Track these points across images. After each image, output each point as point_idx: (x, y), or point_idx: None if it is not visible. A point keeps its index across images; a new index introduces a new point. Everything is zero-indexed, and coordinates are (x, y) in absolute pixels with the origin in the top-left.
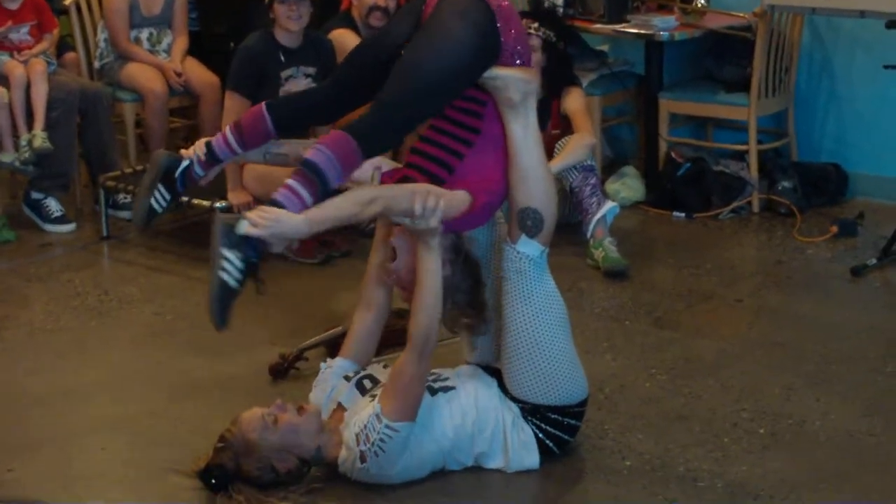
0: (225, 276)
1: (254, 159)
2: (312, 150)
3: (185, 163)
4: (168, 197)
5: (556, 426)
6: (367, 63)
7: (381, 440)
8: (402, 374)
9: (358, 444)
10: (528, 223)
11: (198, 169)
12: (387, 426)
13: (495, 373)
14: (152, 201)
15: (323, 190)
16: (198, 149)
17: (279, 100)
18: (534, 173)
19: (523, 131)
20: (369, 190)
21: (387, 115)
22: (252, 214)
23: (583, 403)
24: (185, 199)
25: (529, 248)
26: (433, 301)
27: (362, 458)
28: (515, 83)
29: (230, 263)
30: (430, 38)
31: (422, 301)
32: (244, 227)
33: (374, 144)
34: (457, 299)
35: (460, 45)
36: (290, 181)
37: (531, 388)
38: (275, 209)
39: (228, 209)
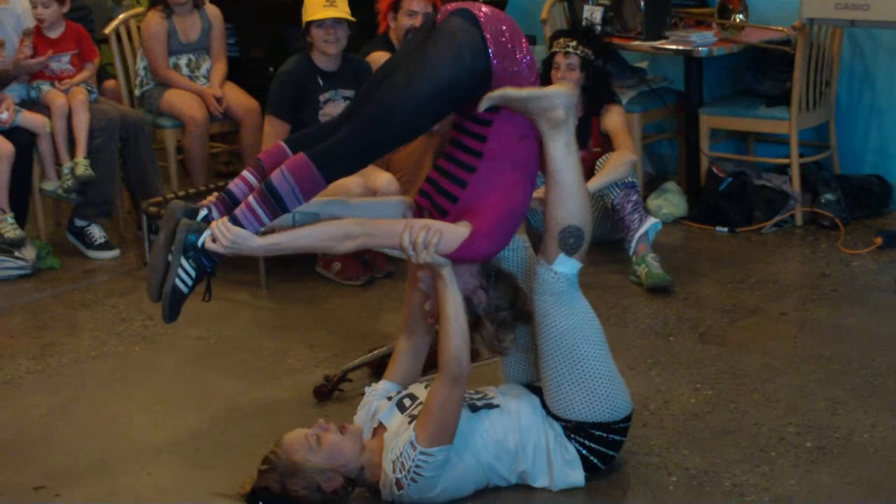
0: (179, 283)
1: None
2: (276, 172)
3: (203, 212)
4: (193, 274)
5: (601, 442)
6: (373, 91)
7: (417, 466)
8: (436, 402)
9: (394, 472)
10: (571, 241)
11: (215, 212)
12: (421, 452)
13: (536, 391)
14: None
15: (282, 212)
16: (211, 198)
17: (297, 136)
18: (575, 190)
19: (566, 149)
20: (349, 225)
21: (351, 146)
22: (214, 228)
23: (627, 419)
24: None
25: (567, 267)
26: (456, 329)
27: (398, 485)
28: (561, 99)
29: (185, 273)
30: (408, 71)
31: (444, 330)
32: (205, 241)
33: (335, 171)
34: (501, 318)
35: (437, 77)
36: (251, 199)
37: (575, 406)
38: (236, 229)
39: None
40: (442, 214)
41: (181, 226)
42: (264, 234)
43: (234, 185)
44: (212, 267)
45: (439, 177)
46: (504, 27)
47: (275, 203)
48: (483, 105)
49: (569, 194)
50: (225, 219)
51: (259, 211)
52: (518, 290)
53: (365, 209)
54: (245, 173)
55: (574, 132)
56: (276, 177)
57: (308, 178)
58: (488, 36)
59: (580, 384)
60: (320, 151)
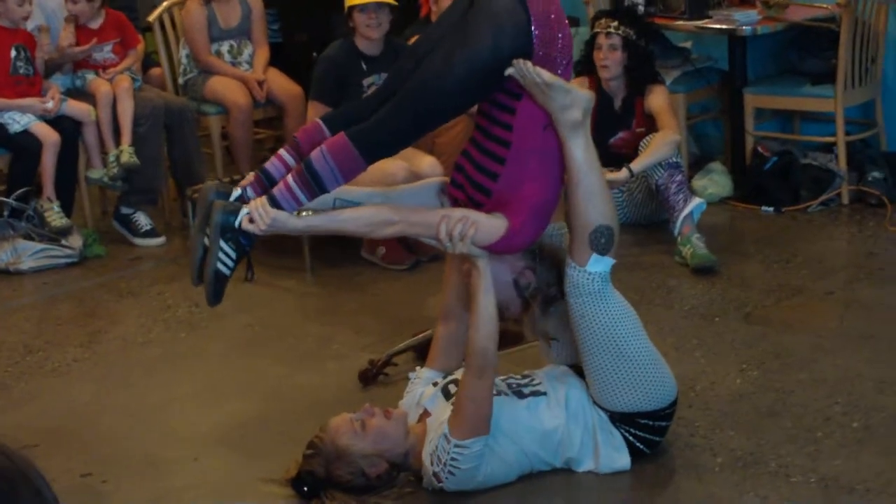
0: (220, 266)
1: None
2: (315, 153)
3: (237, 192)
4: (234, 255)
5: (647, 430)
6: (410, 68)
7: (453, 459)
8: (465, 394)
9: (432, 465)
10: (602, 241)
11: (250, 192)
12: (456, 445)
13: (581, 372)
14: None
15: (320, 193)
16: (246, 179)
17: (333, 113)
18: (600, 189)
19: (585, 152)
20: (388, 211)
21: (392, 126)
22: (252, 210)
23: (673, 404)
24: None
25: (601, 266)
26: (484, 320)
27: (437, 479)
28: (582, 101)
29: (225, 254)
30: (449, 49)
31: (474, 321)
32: (242, 221)
33: (376, 153)
34: (551, 293)
35: (478, 59)
36: (289, 179)
37: (621, 399)
38: (274, 211)
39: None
40: (477, 207)
41: (215, 207)
42: (302, 212)
43: (271, 164)
44: (250, 246)
45: (472, 169)
46: (552, 11)
47: (314, 184)
48: (509, 70)
49: (595, 194)
50: (263, 199)
51: (298, 191)
52: (563, 263)
53: (404, 198)
54: (282, 152)
55: (589, 133)
56: (315, 157)
57: (348, 159)
58: (534, 18)
59: (625, 378)
60: (360, 131)
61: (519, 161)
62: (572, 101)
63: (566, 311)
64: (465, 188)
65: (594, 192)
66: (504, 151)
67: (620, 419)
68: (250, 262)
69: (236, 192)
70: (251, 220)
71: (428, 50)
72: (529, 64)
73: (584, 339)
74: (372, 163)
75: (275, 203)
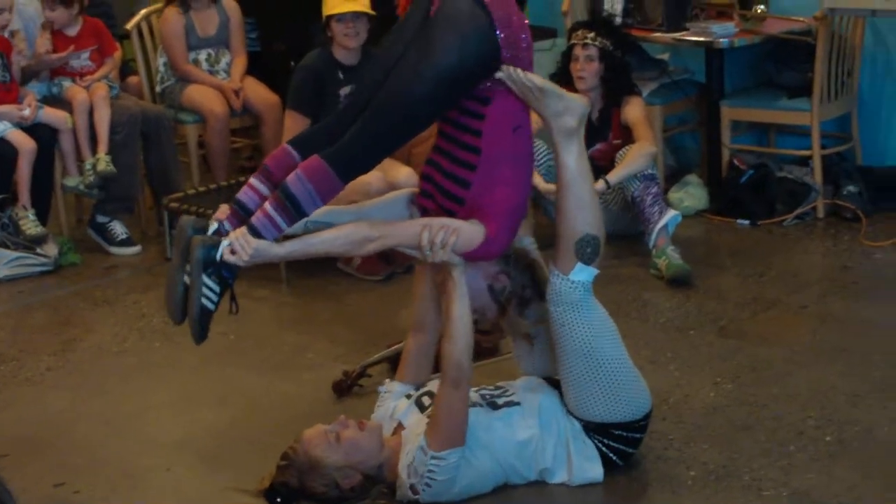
0: (205, 302)
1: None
2: (291, 177)
3: (213, 225)
4: (217, 290)
5: (620, 441)
6: (378, 81)
7: (430, 471)
8: (441, 406)
9: (408, 477)
10: (588, 250)
11: (227, 224)
12: (433, 457)
13: (555, 384)
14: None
15: (300, 217)
16: (221, 212)
17: (301, 136)
18: (590, 199)
19: (578, 159)
20: (366, 228)
21: (364, 143)
22: (233, 241)
23: (647, 416)
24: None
25: (585, 275)
26: (462, 331)
27: (413, 490)
28: (578, 108)
29: (209, 289)
30: (415, 59)
31: (450, 332)
32: (223, 254)
33: (351, 171)
34: (526, 295)
35: (445, 67)
36: (267, 206)
37: (596, 409)
38: (255, 241)
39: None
40: (449, 216)
41: (194, 243)
42: (281, 240)
43: (244, 195)
44: (233, 278)
45: (442, 178)
46: (512, 13)
47: (293, 208)
48: (499, 74)
49: (584, 203)
50: (243, 229)
51: (277, 218)
52: (535, 263)
53: (374, 213)
54: (253, 181)
55: (583, 142)
56: (292, 182)
57: (325, 180)
58: (496, 21)
59: (601, 388)
60: (334, 152)
61: (490, 167)
62: (566, 107)
63: (543, 315)
64: (435, 197)
65: (584, 200)
66: (475, 158)
67: (595, 429)
68: (234, 294)
69: (213, 225)
70: (233, 252)
71: (392, 61)
72: (520, 70)
73: (562, 347)
74: (349, 181)
75: (255, 232)
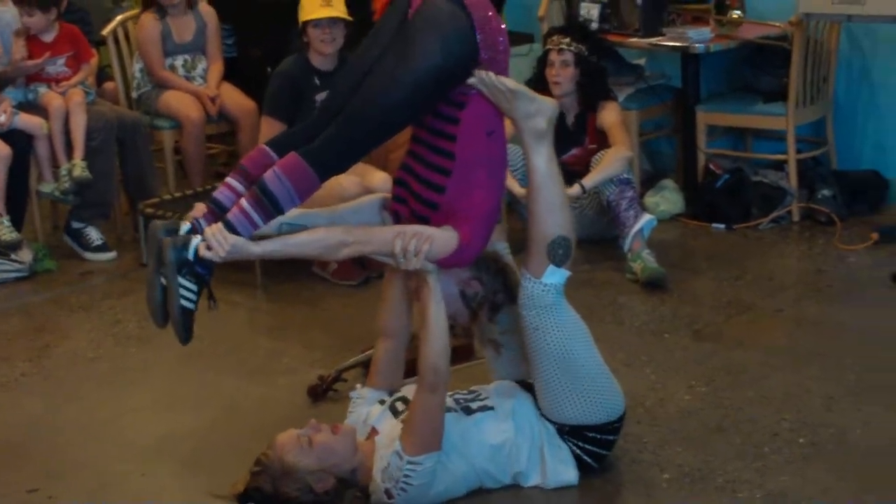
0: (184, 302)
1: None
2: (269, 173)
3: (186, 225)
4: (195, 288)
5: (594, 443)
6: (354, 84)
7: (406, 476)
8: (417, 410)
9: (383, 482)
10: (560, 252)
11: (203, 223)
12: (409, 462)
13: (529, 388)
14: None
15: (276, 214)
16: (197, 210)
17: (279, 137)
18: (560, 201)
19: (549, 161)
20: (340, 233)
21: (342, 143)
22: (209, 236)
23: (621, 418)
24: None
25: (556, 277)
26: (435, 335)
27: (388, 495)
28: (547, 110)
29: (186, 289)
30: (394, 60)
31: (425, 337)
32: (199, 250)
33: (329, 169)
34: (498, 300)
35: (425, 69)
36: (244, 202)
37: (570, 412)
38: (233, 237)
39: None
40: (422, 221)
41: (165, 245)
42: (255, 239)
43: (220, 193)
44: (209, 274)
45: (416, 184)
46: (490, 14)
47: (269, 205)
48: (471, 80)
49: (555, 205)
50: (219, 225)
51: (253, 214)
52: (507, 268)
53: (347, 217)
54: (230, 180)
55: (552, 145)
56: (269, 178)
57: (303, 177)
58: (476, 23)
59: (575, 391)
60: (312, 149)
61: (465, 172)
62: (537, 109)
63: (515, 321)
64: (409, 202)
65: (554, 203)
66: (449, 163)
67: (569, 432)
68: (211, 290)
69: (185, 225)
70: (209, 248)
71: (369, 64)
72: (492, 74)
73: (535, 350)
74: (326, 180)
75: (231, 228)
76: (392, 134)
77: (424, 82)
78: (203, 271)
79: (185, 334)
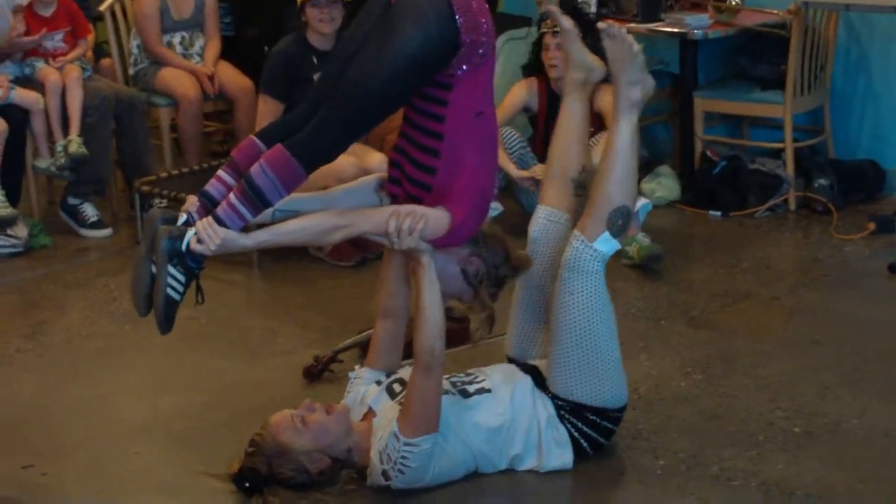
0: (170, 292)
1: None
2: (254, 167)
3: (182, 217)
4: (183, 280)
5: (594, 427)
6: (340, 71)
7: (403, 457)
8: (414, 392)
9: (381, 463)
10: (620, 222)
11: (195, 216)
12: (406, 443)
13: (530, 370)
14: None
15: (264, 208)
16: (189, 203)
17: (268, 128)
18: (633, 173)
19: (633, 133)
20: (334, 217)
21: (328, 132)
22: (200, 230)
23: (622, 409)
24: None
25: (608, 246)
26: (430, 316)
27: (386, 476)
28: (650, 85)
29: (174, 279)
30: (376, 47)
31: (420, 318)
32: (190, 243)
33: (314, 160)
34: (501, 274)
35: (407, 54)
36: (232, 197)
37: (579, 387)
38: (223, 230)
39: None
40: (417, 202)
41: (161, 233)
42: (248, 229)
43: (211, 186)
44: (199, 268)
45: (408, 165)
46: None
47: (257, 199)
48: (602, 25)
49: (630, 176)
50: (209, 219)
51: (241, 208)
52: (505, 242)
53: (342, 200)
54: (220, 173)
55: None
56: (255, 172)
57: (288, 170)
58: (456, 6)
59: (589, 366)
60: (297, 141)
61: (454, 153)
62: (643, 80)
63: (543, 277)
64: (403, 184)
65: (629, 173)
66: (438, 144)
67: (570, 411)
68: (199, 285)
69: (181, 217)
70: (200, 241)
71: (354, 51)
72: (624, 29)
73: (561, 315)
74: (312, 171)
75: (220, 223)
76: (378, 120)
77: (406, 67)
78: (193, 264)
79: (166, 325)
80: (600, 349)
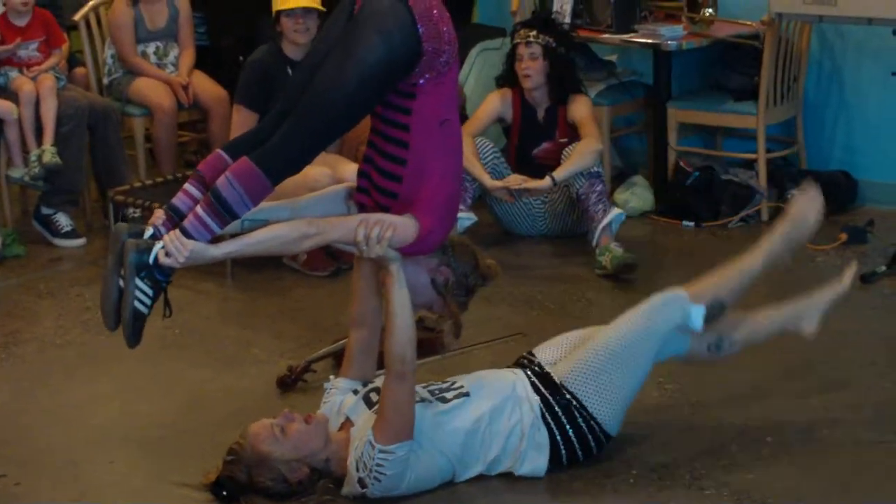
0: (138, 305)
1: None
2: (221, 179)
3: (148, 230)
4: (151, 293)
5: (578, 434)
6: (305, 82)
7: (378, 465)
8: (387, 400)
9: (357, 471)
10: (714, 313)
11: (162, 230)
12: (381, 451)
13: (523, 365)
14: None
15: (231, 220)
16: (156, 217)
17: (234, 141)
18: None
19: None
20: (303, 225)
21: (293, 143)
22: (167, 243)
23: (608, 438)
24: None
25: (696, 320)
26: (400, 325)
27: (362, 484)
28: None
29: (142, 293)
30: (339, 57)
31: (390, 326)
32: (158, 256)
33: (280, 172)
34: (470, 283)
35: (369, 63)
36: (199, 210)
37: (590, 387)
38: (191, 242)
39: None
40: (385, 211)
41: (128, 247)
42: (217, 240)
43: (178, 200)
44: (167, 281)
45: (376, 174)
46: (433, 7)
47: (223, 211)
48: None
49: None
50: (176, 231)
51: (209, 221)
52: (474, 251)
53: (311, 208)
54: (187, 186)
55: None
56: (222, 184)
57: (254, 182)
58: (417, 16)
59: (611, 377)
60: (263, 153)
61: (420, 161)
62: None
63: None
64: (371, 193)
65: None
66: (404, 153)
67: (564, 408)
68: (167, 298)
69: (148, 230)
70: (168, 254)
71: (319, 61)
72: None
73: (620, 323)
74: (278, 183)
75: (187, 235)
76: (344, 130)
77: (370, 75)
78: (161, 277)
79: (134, 338)
80: (629, 373)
